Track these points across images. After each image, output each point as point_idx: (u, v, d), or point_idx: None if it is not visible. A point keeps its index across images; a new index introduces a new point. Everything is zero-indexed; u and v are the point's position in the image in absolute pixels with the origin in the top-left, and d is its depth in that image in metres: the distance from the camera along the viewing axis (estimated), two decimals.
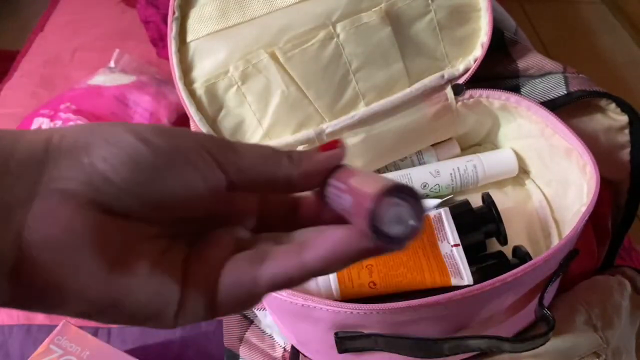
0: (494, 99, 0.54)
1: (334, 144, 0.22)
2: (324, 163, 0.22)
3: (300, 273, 0.19)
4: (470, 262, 0.44)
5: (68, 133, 0.19)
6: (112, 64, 0.82)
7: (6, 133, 0.18)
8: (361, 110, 0.53)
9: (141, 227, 0.20)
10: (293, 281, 0.20)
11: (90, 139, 0.19)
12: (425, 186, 0.55)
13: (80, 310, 0.18)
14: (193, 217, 0.22)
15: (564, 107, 0.53)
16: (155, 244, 0.20)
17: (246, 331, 0.53)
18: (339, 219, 0.21)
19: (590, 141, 0.47)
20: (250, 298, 0.20)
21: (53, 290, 0.18)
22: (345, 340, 0.41)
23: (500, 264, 0.47)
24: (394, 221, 0.16)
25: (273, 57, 0.50)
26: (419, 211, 0.16)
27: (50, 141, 0.18)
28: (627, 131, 0.54)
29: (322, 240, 0.19)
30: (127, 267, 0.19)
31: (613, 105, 0.53)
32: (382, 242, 0.16)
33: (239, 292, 0.20)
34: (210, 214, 0.22)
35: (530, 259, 0.46)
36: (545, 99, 0.55)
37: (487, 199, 0.50)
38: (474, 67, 0.54)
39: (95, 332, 0.56)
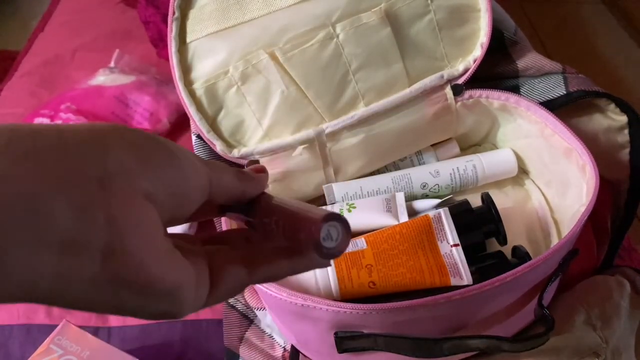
0: (494, 99, 0.55)
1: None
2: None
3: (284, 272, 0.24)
4: (470, 262, 0.44)
5: (104, 126, 0.20)
6: (112, 64, 0.82)
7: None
8: (361, 110, 0.53)
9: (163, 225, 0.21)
10: (278, 277, 0.24)
11: (108, 135, 0.20)
12: (425, 186, 0.55)
13: (146, 300, 0.19)
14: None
15: (563, 107, 0.53)
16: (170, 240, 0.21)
17: (246, 331, 0.53)
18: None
19: (590, 141, 0.47)
20: (240, 290, 0.24)
21: (137, 277, 0.18)
22: (345, 340, 0.41)
23: (499, 264, 0.47)
24: (328, 238, 0.22)
25: (273, 57, 0.50)
26: (346, 231, 0.22)
27: (92, 128, 0.19)
28: (626, 131, 0.54)
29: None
30: (175, 254, 0.20)
31: (612, 106, 0.53)
32: (320, 254, 0.22)
33: (234, 287, 0.23)
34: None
35: (530, 258, 0.46)
36: (544, 99, 0.55)
37: (487, 199, 0.50)
38: (473, 67, 0.54)
39: (95, 332, 0.56)
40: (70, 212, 0.17)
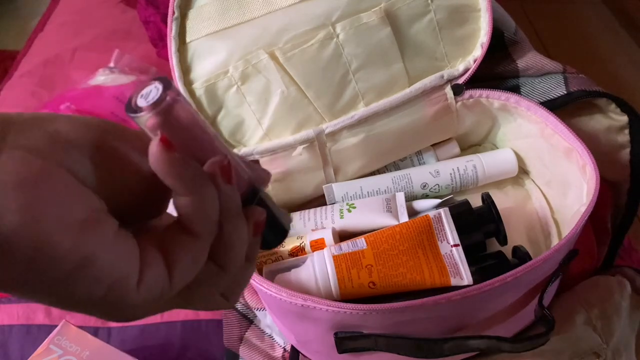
0: (494, 99, 0.55)
1: None
2: None
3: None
4: (470, 262, 0.44)
5: (24, 113, 0.20)
6: (112, 64, 0.82)
7: None
8: (361, 110, 0.53)
9: (98, 199, 0.20)
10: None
11: (49, 115, 0.20)
12: (425, 186, 0.55)
13: (46, 271, 0.18)
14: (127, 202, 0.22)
15: (563, 107, 0.53)
16: (111, 217, 0.20)
17: (246, 331, 0.53)
18: None
19: (590, 141, 0.47)
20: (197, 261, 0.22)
21: (24, 241, 0.17)
22: (345, 341, 0.41)
23: (500, 264, 0.47)
24: (142, 96, 0.19)
25: (273, 57, 0.50)
26: (164, 85, 0.19)
27: (9, 114, 0.19)
28: (627, 131, 0.54)
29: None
30: (95, 227, 0.19)
31: (613, 106, 0.53)
32: (139, 112, 0.19)
33: (189, 261, 0.21)
34: (137, 201, 0.23)
35: (530, 259, 0.46)
36: (545, 99, 0.55)
37: (487, 199, 0.50)
38: (473, 67, 0.54)
39: (95, 332, 0.56)
40: None
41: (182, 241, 0.21)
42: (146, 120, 0.19)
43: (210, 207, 0.21)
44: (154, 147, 0.20)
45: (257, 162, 0.54)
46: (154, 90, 0.19)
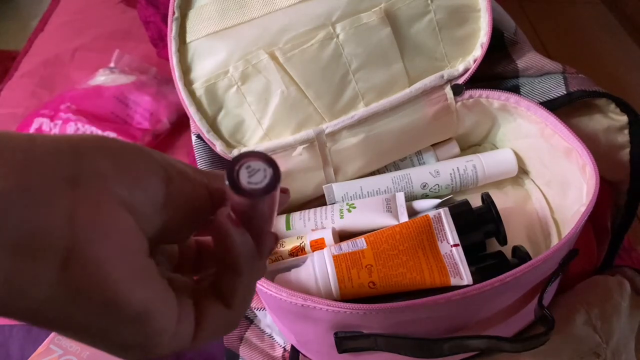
0: (494, 99, 0.55)
1: None
2: None
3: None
4: (470, 262, 0.44)
5: (89, 138, 0.19)
6: (112, 64, 0.82)
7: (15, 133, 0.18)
8: (361, 110, 0.53)
9: (147, 242, 0.19)
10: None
11: (117, 144, 0.19)
12: (425, 186, 0.55)
13: (113, 320, 0.17)
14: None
15: (563, 107, 0.53)
16: (152, 261, 0.20)
17: (246, 331, 0.53)
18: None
19: (590, 141, 0.47)
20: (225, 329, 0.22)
21: (100, 290, 0.16)
22: (344, 340, 0.41)
23: (499, 264, 0.47)
24: (246, 177, 0.19)
25: (273, 57, 0.50)
26: (269, 164, 0.19)
27: (76, 142, 0.18)
28: (626, 131, 0.54)
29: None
30: (150, 278, 0.18)
31: (613, 106, 0.53)
32: (241, 195, 0.19)
33: (219, 327, 0.22)
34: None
35: (530, 259, 0.46)
36: (545, 99, 0.55)
37: (487, 199, 0.50)
38: (473, 67, 0.54)
39: None
40: (29, 209, 0.15)
41: (217, 311, 0.21)
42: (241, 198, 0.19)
43: (254, 287, 0.21)
44: (224, 221, 0.19)
45: None
46: (261, 173, 0.19)
